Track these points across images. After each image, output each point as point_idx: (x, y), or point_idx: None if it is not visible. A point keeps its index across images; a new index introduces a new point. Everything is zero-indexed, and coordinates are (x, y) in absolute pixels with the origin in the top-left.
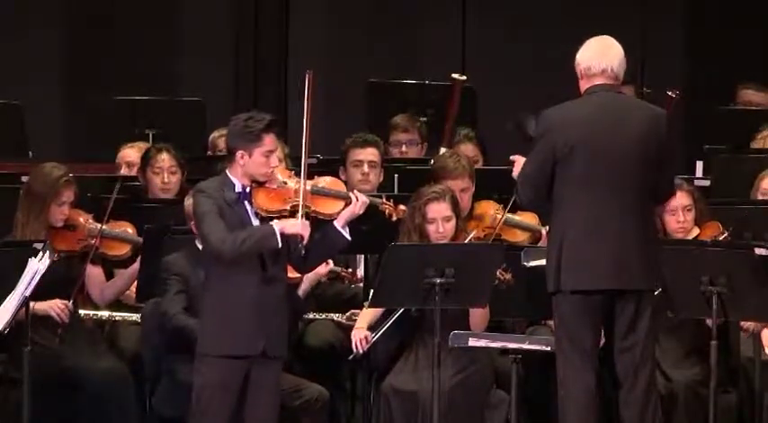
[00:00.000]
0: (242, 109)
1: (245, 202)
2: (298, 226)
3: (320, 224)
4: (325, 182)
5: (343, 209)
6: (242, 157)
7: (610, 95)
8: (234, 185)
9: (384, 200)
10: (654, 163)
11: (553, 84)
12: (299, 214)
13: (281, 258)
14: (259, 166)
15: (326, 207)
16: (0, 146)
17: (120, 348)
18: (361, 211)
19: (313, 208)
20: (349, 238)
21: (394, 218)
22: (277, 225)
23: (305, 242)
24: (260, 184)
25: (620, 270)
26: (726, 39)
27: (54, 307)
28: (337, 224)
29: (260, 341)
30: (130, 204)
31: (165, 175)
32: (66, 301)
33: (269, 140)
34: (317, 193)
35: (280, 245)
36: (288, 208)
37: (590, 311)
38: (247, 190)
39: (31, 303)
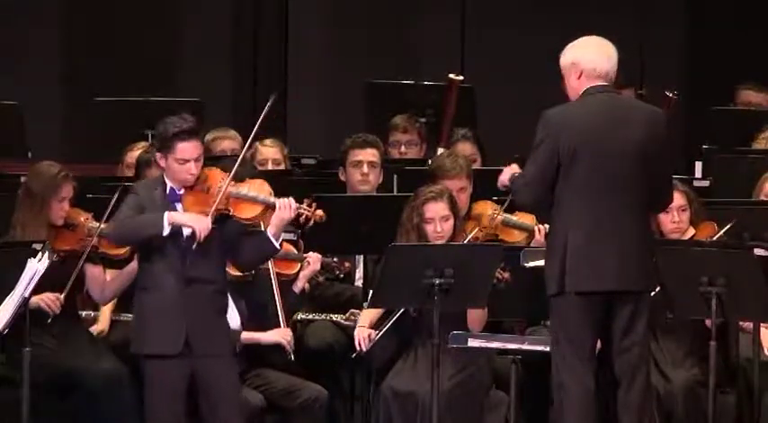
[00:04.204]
0: (241, 109)
1: (175, 204)
2: (192, 219)
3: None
4: (249, 186)
5: (261, 213)
6: (160, 159)
7: (609, 96)
8: (166, 186)
9: (305, 205)
10: (653, 164)
11: (552, 84)
12: (209, 212)
13: (208, 260)
14: (174, 172)
15: (244, 211)
16: (0, 146)
17: (121, 348)
18: (290, 215)
19: (233, 212)
20: (278, 247)
21: (311, 223)
22: (169, 214)
23: (200, 237)
24: (190, 188)
25: (621, 271)
26: (726, 39)
27: (44, 298)
28: (269, 232)
29: (179, 339)
30: None
31: None
32: (57, 294)
33: (182, 149)
34: (237, 197)
35: (165, 232)
36: (211, 211)
37: (591, 313)
38: (179, 191)
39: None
